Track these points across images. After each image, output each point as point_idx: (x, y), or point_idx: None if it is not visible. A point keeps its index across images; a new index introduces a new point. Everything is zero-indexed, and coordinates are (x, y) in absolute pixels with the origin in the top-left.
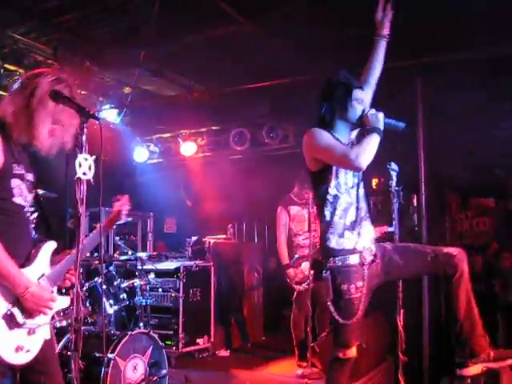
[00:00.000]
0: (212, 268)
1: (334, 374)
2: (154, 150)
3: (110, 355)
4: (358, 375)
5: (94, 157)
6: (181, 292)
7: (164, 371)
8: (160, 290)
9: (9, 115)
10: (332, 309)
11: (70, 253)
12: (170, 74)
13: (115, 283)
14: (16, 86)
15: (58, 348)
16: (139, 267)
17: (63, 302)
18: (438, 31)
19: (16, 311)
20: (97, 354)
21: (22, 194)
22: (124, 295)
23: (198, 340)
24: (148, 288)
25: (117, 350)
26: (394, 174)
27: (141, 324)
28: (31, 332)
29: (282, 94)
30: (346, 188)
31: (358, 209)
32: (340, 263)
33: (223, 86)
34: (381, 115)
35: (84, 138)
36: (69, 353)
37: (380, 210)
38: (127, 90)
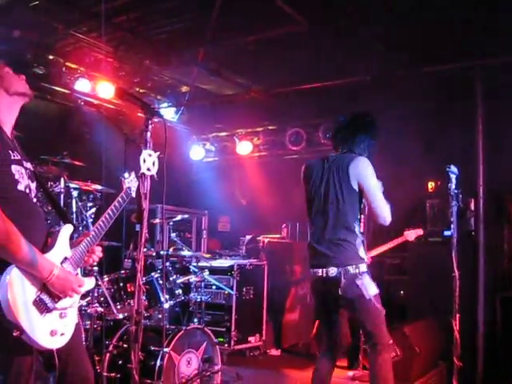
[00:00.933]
0: (266, 267)
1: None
2: (210, 148)
3: (165, 349)
4: (412, 379)
5: (158, 153)
6: (234, 290)
7: (217, 367)
8: (214, 287)
9: None
10: (373, 303)
11: (89, 234)
12: (228, 74)
13: (171, 279)
14: None
15: (114, 340)
16: (194, 264)
17: (89, 283)
18: (500, 32)
19: (44, 296)
20: (152, 348)
21: (25, 181)
22: (179, 291)
23: (249, 338)
24: (203, 285)
25: (172, 344)
26: (453, 177)
27: (195, 320)
28: (63, 315)
29: (339, 95)
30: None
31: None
32: (364, 267)
33: (280, 86)
34: None
35: (148, 134)
36: (125, 345)
37: (436, 213)
38: (185, 88)
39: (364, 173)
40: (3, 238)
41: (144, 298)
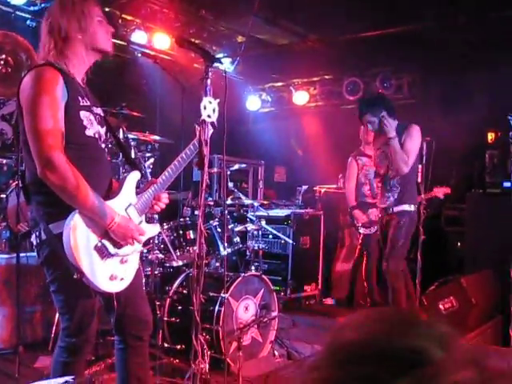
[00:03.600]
0: (322, 217)
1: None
2: (266, 98)
3: (223, 295)
4: (467, 330)
5: (218, 100)
6: (291, 239)
7: (274, 313)
8: (270, 236)
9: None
10: None
11: (156, 182)
12: (284, 23)
13: (229, 227)
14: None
15: (174, 286)
16: (251, 213)
17: (152, 230)
18: None
19: (106, 242)
20: (211, 294)
21: (94, 127)
22: (237, 239)
23: (305, 287)
24: (260, 233)
25: (230, 290)
26: None
27: (252, 268)
28: (123, 261)
29: (397, 43)
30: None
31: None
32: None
33: (337, 35)
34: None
35: (209, 81)
36: (184, 291)
37: (496, 164)
38: (240, 39)
39: None
40: (68, 184)
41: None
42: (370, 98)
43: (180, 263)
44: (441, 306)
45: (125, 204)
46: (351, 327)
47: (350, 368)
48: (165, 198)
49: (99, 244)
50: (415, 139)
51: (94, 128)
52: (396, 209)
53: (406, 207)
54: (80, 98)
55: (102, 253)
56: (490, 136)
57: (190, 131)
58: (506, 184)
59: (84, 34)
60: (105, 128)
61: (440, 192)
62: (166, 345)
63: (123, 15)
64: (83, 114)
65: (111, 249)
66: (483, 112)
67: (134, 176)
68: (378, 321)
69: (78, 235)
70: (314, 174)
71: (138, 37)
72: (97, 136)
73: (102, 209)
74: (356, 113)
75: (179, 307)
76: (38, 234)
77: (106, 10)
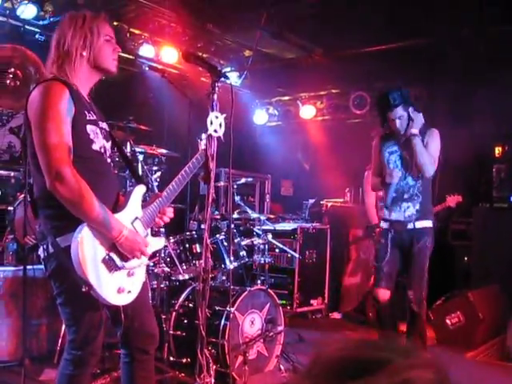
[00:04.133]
0: (328, 231)
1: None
2: (273, 112)
3: (229, 309)
4: (474, 345)
5: (224, 115)
6: (297, 253)
7: (280, 328)
8: (277, 250)
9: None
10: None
11: (161, 195)
12: (291, 37)
13: (235, 241)
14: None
15: (180, 300)
16: (258, 227)
17: (157, 243)
18: None
19: (114, 255)
20: (217, 308)
21: (100, 141)
22: (243, 252)
23: (312, 301)
24: (266, 247)
25: (236, 304)
26: None
27: (258, 282)
28: (130, 274)
29: (403, 57)
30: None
31: (396, 190)
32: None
33: (344, 49)
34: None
35: (216, 96)
36: (190, 305)
37: (503, 178)
38: (248, 52)
39: None
40: (77, 197)
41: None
42: (400, 90)
43: (186, 277)
44: (448, 321)
45: (131, 217)
46: (333, 346)
47: (319, 379)
48: (170, 212)
49: (107, 257)
50: (438, 142)
51: (99, 142)
52: (419, 224)
53: (428, 224)
54: (86, 112)
55: (110, 266)
56: (498, 150)
57: (197, 145)
58: None
59: (88, 52)
60: (110, 142)
61: (453, 201)
62: (171, 358)
63: (131, 29)
64: (90, 128)
65: (118, 262)
66: (490, 126)
67: (140, 189)
68: (357, 341)
69: (86, 248)
70: (321, 187)
71: (146, 51)
72: (103, 150)
73: (110, 222)
74: (375, 112)
75: (185, 321)
76: (45, 247)
77: (115, 23)
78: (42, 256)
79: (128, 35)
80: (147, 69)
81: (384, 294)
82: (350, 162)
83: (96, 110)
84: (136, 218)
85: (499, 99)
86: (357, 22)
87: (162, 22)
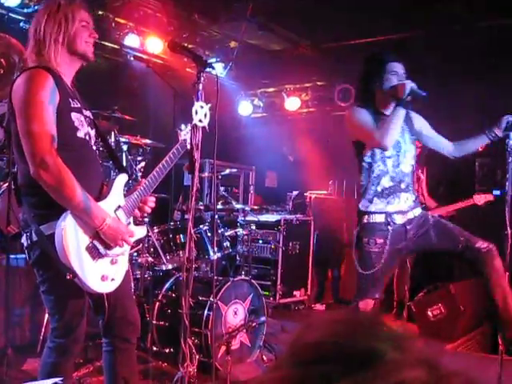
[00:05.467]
0: (312, 222)
1: None
2: (258, 104)
3: (212, 299)
4: (455, 337)
5: (209, 105)
6: (280, 244)
7: (263, 318)
8: (260, 241)
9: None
10: (355, 259)
11: (143, 183)
12: (277, 29)
13: (219, 231)
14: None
15: (164, 289)
16: (242, 218)
17: (139, 232)
18: None
19: (97, 243)
20: (200, 298)
21: (85, 129)
22: (227, 243)
23: (294, 292)
24: (250, 238)
25: (219, 294)
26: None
27: (242, 272)
28: (114, 262)
29: (389, 50)
30: (381, 157)
31: (392, 178)
32: (366, 220)
33: (329, 41)
34: (408, 84)
35: (201, 86)
36: (173, 294)
37: (485, 173)
38: (233, 44)
39: None
40: (60, 184)
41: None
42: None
43: (170, 267)
44: (429, 313)
45: (114, 206)
46: (314, 327)
47: (308, 367)
48: (151, 202)
49: (90, 245)
50: None
51: (84, 129)
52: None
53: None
54: (70, 100)
55: (93, 253)
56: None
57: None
58: (496, 192)
59: (63, 37)
60: (94, 130)
61: (481, 199)
62: (154, 348)
63: (116, 18)
64: (74, 115)
65: (102, 249)
66: (474, 121)
67: (122, 179)
68: (340, 322)
69: (70, 236)
70: (305, 179)
71: (131, 40)
72: (88, 137)
73: (93, 210)
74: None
75: (168, 311)
76: (28, 235)
77: (100, 13)
78: (25, 244)
79: (113, 25)
80: (132, 59)
81: (369, 304)
82: (334, 154)
83: (79, 98)
84: (119, 206)
85: (484, 94)
86: (343, 14)
87: (147, 12)
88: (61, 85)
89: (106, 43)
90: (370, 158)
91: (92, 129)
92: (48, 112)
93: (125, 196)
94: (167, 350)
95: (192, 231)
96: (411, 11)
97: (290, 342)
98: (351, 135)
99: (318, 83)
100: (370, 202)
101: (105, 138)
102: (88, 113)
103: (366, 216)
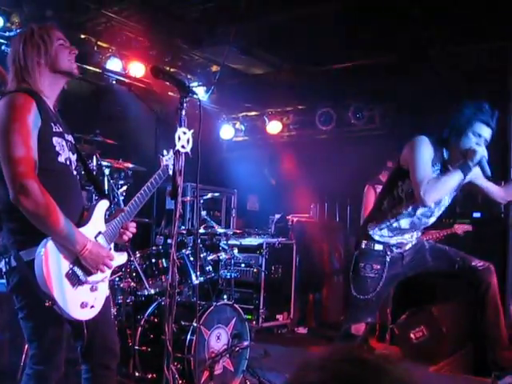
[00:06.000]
0: (294, 246)
1: None
2: (240, 127)
3: (195, 324)
4: (438, 359)
5: (192, 131)
6: (263, 268)
7: (246, 343)
8: (243, 265)
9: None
10: (350, 283)
11: (124, 210)
12: (259, 53)
13: (201, 255)
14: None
15: (146, 314)
16: (224, 242)
17: (120, 258)
18: None
19: (77, 269)
20: (183, 323)
21: (66, 154)
22: (210, 267)
23: (277, 316)
24: (232, 262)
25: (202, 319)
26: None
27: (224, 296)
28: (94, 289)
29: (369, 75)
30: (415, 202)
31: (412, 223)
32: (365, 246)
33: (311, 66)
34: (480, 153)
35: (184, 112)
36: (156, 319)
37: (466, 195)
38: (215, 68)
39: None
40: (42, 210)
41: None
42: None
43: (152, 292)
44: (412, 335)
45: (94, 232)
46: (314, 367)
47: None
48: (132, 227)
49: (70, 271)
50: None
51: (65, 154)
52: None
53: None
54: (52, 125)
55: (73, 280)
56: None
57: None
58: (476, 215)
59: (45, 58)
60: (76, 155)
61: (461, 229)
62: (136, 374)
63: (99, 42)
64: (56, 140)
65: (82, 276)
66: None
67: (103, 204)
68: (343, 361)
69: (51, 263)
70: (287, 203)
71: (113, 64)
72: (68, 162)
73: (74, 235)
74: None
75: (151, 336)
76: (7, 260)
77: (82, 36)
78: (3, 270)
79: (95, 48)
80: (114, 82)
81: (362, 328)
82: (315, 177)
83: (61, 122)
84: (99, 232)
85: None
86: (324, 39)
87: (129, 36)
88: (43, 109)
89: (89, 67)
90: (404, 193)
91: (73, 154)
92: (29, 137)
93: (106, 222)
94: (149, 376)
95: (175, 257)
96: (394, 35)
97: (290, 381)
98: (403, 159)
99: (300, 107)
100: (380, 230)
101: (86, 163)
102: (70, 137)
103: (366, 241)
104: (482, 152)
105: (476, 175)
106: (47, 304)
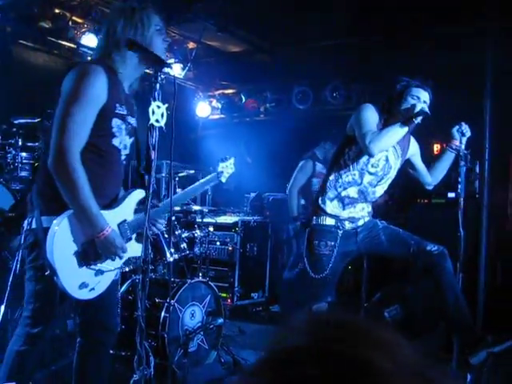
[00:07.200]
0: (270, 224)
1: None
2: (216, 105)
3: (169, 301)
4: (411, 338)
5: (166, 105)
6: (238, 246)
7: (220, 320)
8: (218, 243)
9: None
10: (306, 264)
11: (158, 206)
12: (236, 30)
13: (176, 233)
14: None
15: (120, 291)
16: (199, 219)
17: (137, 250)
18: None
19: (89, 251)
20: (157, 300)
21: (121, 138)
22: (184, 245)
23: (252, 294)
24: (207, 240)
25: (176, 296)
26: (464, 138)
27: (199, 274)
28: (98, 273)
29: (347, 54)
30: (362, 168)
31: (360, 192)
32: (316, 222)
33: (288, 44)
34: (420, 106)
35: (158, 86)
36: (130, 297)
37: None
38: (191, 45)
39: None
40: (72, 185)
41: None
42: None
43: (126, 269)
44: (386, 314)
45: (119, 219)
46: (297, 331)
47: (291, 372)
48: (159, 225)
49: (81, 250)
50: None
51: (121, 138)
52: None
53: None
54: (117, 105)
55: (81, 260)
56: (436, 147)
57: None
58: (451, 195)
59: (140, 40)
60: (132, 139)
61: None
62: (110, 351)
63: (73, 17)
64: (115, 121)
65: (91, 258)
66: (430, 124)
67: (138, 194)
68: (326, 326)
69: (62, 236)
70: (263, 181)
71: (88, 40)
72: (121, 146)
73: (96, 217)
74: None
75: (124, 313)
76: (30, 220)
77: (56, 11)
78: (24, 227)
79: (70, 23)
80: (89, 58)
81: (323, 309)
82: (292, 155)
83: (130, 104)
84: (124, 220)
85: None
86: (302, 17)
87: (104, 12)
88: (114, 88)
89: (63, 42)
90: (351, 160)
91: (130, 137)
92: (89, 110)
93: (136, 211)
94: (123, 353)
95: (148, 232)
96: (371, 15)
97: (269, 345)
98: (349, 127)
99: (276, 85)
100: (331, 201)
101: (139, 147)
102: (133, 120)
103: (316, 216)
104: (421, 106)
105: (415, 153)
106: (47, 273)
